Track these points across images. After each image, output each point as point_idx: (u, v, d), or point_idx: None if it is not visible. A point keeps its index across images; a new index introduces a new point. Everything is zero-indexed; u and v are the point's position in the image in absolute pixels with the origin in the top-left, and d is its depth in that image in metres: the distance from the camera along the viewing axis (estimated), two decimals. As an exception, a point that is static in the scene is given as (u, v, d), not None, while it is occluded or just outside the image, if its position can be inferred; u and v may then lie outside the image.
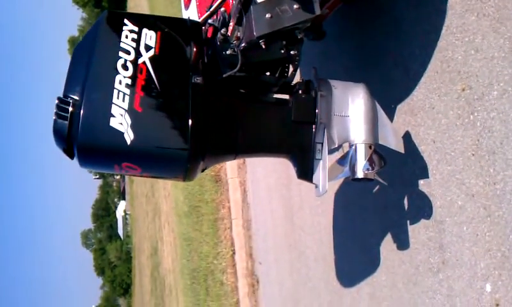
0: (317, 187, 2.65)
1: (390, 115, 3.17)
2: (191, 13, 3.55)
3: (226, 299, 8.01)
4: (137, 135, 2.28)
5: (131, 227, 49.61)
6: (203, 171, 2.58)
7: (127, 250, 60.95)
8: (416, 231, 3.08)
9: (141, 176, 2.61)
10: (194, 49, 2.52)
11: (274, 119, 2.66)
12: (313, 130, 2.62)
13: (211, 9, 2.85)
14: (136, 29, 2.47)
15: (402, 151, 2.78)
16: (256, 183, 7.03)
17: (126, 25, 2.47)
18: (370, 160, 2.61)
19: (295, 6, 2.55)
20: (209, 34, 2.74)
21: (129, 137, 2.28)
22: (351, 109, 2.69)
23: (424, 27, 2.96)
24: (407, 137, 3.11)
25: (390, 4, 3.27)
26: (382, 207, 3.46)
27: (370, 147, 2.64)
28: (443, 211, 2.84)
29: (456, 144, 2.72)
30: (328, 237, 4.41)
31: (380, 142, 2.73)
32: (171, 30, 2.55)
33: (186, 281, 12.28)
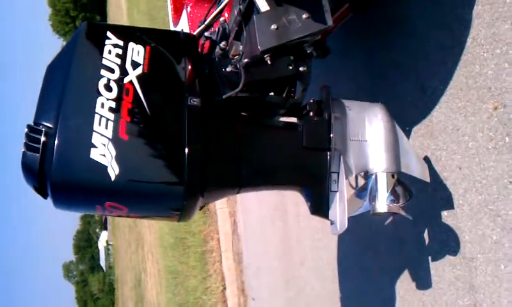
0: (333, 223, 2.28)
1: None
2: (181, 27, 3.22)
3: (216, 338, 7.52)
4: (123, 169, 1.90)
5: (113, 258, 48.53)
6: (201, 208, 2.20)
7: (110, 281, 59.45)
8: (441, 268, 2.72)
9: (127, 217, 2.22)
10: (189, 66, 2.16)
11: (282, 146, 2.30)
12: (328, 157, 2.26)
13: (206, 23, 2.51)
14: (121, 43, 2.10)
15: (428, 179, 2.43)
16: (248, 214, 6.64)
17: (109, 38, 2.10)
18: (393, 192, 2.26)
19: (304, 16, 2.23)
20: (206, 49, 2.39)
21: (114, 171, 1.89)
22: (369, 132, 2.35)
23: (443, 39, 2.66)
24: (426, 161, 2.77)
25: (403, 15, 2.97)
26: (397, 241, 3.10)
27: (392, 176, 2.30)
28: (473, 247, 2.49)
29: (487, 171, 2.39)
30: (332, 273, 4.03)
31: (402, 170, 2.38)
32: (163, 44, 2.19)
33: (172, 317, 11.72)
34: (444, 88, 2.65)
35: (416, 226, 2.89)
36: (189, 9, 3.07)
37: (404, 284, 3.05)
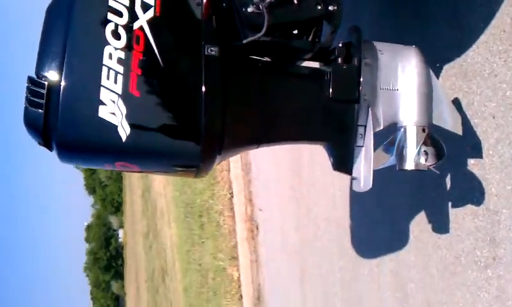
0: (355, 178, 2.16)
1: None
2: None
3: (223, 241, 7.76)
4: (135, 129, 1.74)
5: (120, 148, 49.29)
6: (218, 164, 2.07)
7: (117, 170, 60.65)
8: (460, 216, 2.64)
9: (139, 172, 2.10)
10: (205, 2, 1.91)
11: (307, 97, 2.10)
12: (355, 109, 2.08)
13: None
14: None
15: (460, 132, 2.28)
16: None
17: None
18: (423, 148, 2.11)
19: None
20: None
21: (124, 131, 1.73)
22: (401, 80, 2.15)
23: (489, -29, 2.35)
24: (456, 105, 2.59)
25: None
26: (416, 181, 3.00)
27: (423, 130, 2.13)
28: (499, 201, 2.39)
29: (525, 125, 2.23)
30: (343, 201, 4.00)
31: (434, 121, 2.21)
32: None
33: (180, 213, 12.08)
34: (484, 27, 2.40)
35: (438, 169, 2.76)
36: None
37: (420, 224, 3.00)
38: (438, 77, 2.73)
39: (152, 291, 20.81)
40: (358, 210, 3.80)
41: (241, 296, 7.15)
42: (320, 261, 4.57)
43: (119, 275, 56.90)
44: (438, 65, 2.72)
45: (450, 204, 2.72)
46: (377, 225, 3.53)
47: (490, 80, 2.38)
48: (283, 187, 5.52)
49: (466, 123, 2.52)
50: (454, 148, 2.62)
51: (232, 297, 7.37)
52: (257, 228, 6.70)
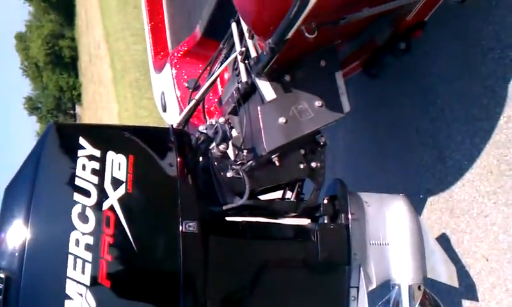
0: (352, 344, 1.96)
1: (417, 207, 2.51)
2: (164, 80, 2.77)
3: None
4: None
5: None
6: None
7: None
8: None
9: None
10: (182, 171, 1.74)
11: (293, 260, 1.93)
12: (346, 271, 1.91)
13: (196, 97, 2.09)
14: (98, 153, 1.67)
15: (456, 284, 2.12)
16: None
17: (83, 148, 1.67)
18: (421, 309, 1.94)
19: (317, 104, 1.86)
20: (199, 144, 1.97)
21: None
22: (391, 233, 2.01)
23: (470, 110, 2.32)
24: (443, 239, 2.48)
25: (423, 76, 2.60)
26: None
27: (419, 288, 1.97)
28: (502, 350, 2.22)
29: (523, 272, 2.10)
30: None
31: (428, 275, 2.06)
32: (149, 146, 1.76)
33: None
34: (469, 165, 2.33)
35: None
36: (174, 70, 2.62)
37: None
38: (422, 208, 2.64)
39: None
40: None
41: None
42: None
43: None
44: (421, 196, 2.63)
45: (446, 345, 2.53)
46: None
47: (480, 221, 2.28)
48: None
49: (457, 260, 2.40)
50: (445, 287, 2.48)
51: None
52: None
